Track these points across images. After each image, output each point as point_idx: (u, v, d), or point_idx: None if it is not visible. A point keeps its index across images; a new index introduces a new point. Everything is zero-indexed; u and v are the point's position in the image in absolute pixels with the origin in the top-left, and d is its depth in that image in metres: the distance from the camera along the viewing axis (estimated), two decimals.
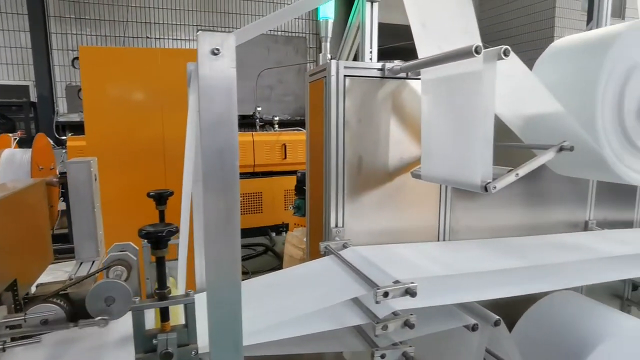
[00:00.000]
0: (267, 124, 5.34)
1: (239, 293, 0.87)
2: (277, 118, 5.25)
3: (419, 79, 1.52)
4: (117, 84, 3.00)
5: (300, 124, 5.79)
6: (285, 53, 7.27)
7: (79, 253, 1.78)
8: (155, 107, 3.07)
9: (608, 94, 1.35)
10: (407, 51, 1.72)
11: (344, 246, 1.45)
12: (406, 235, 1.62)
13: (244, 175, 4.73)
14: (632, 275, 1.58)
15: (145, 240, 1.26)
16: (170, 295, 0.84)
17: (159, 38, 6.84)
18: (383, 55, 1.77)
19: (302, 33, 7.61)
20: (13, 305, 1.14)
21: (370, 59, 1.54)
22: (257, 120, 5.21)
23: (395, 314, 1.10)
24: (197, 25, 7.11)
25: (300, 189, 3.41)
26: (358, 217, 1.55)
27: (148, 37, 6.76)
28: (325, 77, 1.47)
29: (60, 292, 1.20)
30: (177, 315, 0.96)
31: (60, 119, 5.78)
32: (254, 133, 4.90)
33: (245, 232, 4.84)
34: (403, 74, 1.51)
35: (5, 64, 6.18)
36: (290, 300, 1.12)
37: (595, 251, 1.54)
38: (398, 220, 1.61)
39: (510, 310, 1.74)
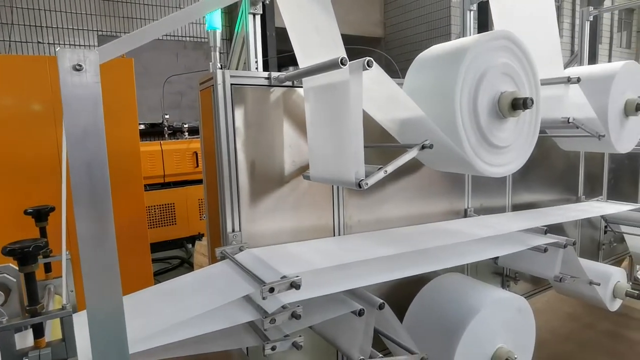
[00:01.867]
0: (177, 132, 5.20)
1: (120, 303, 0.88)
2: (186, 125, 5.13)
3: (302, 86, 1.63)
4: (3, 94, 2.76)
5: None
6: (195, 59, 7.11)
7: None
8: (48, 120, 2.88)
9: (464, 98, 1.55)
10: None
11: (240, 249, 1.50)
12: (304, 235, 1.72)
13: (153, 187, 4.57)
14: (499, 254, 1.83)
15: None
16: (44, 310, 0.83)
17: (53, 43, 6.32)
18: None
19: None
20: None
21: (257, 68, 1.61)
22: (165, 128, 5.05)
23: (284, 307, 1.18)
24: (97, 31, 6.69)
25: None
26: (255, 220, 1.61)
27: (39, 43, 6.22)
28: (212, 85, 1.51)
29: None
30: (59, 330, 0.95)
31: None
32: (162, 142, 4.75)
33: (159, 246, 4.67)
34: (289, 82, 1.60)
35: None
36: (181, 304, 1.15)
37: (469, 235, 1.76)
38: (295, 221, 1.70)
39: (409, 295, 1.92)
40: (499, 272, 2.52)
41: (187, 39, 7.22)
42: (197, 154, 4.82)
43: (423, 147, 1.42)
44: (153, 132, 5.29)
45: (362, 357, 1.37)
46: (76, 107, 0.84)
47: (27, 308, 0.82)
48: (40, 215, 1.19)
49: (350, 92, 1.27)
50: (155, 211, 4.65)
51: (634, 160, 3.39)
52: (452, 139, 1.54)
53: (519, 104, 1.58)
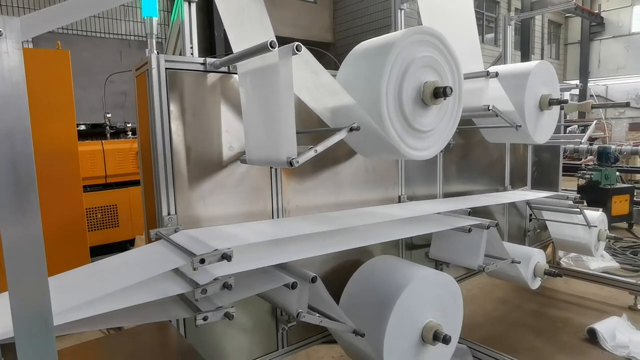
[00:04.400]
0: (120, 132, 5.04)
1: (45, 286, 0.89)
2: (130, 125, 4.99)
3: (236, 73, 1.68)
4: None
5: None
6: (140, 58, 6.92)
7: None
8: None
9: (390, 88, 1.66)
10: None
11: (175, 231, 1.52)
12: (242, 219, 1.76)
13: (94, 188, 4.40)
14: (424, 232, 1.97)
15: None
16: None
17: None
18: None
19: (158, 38, 7.35)
20: None
21: (192, 54, 1.65)
22: (107, 127, 4.89)
23: (216, 279, 1.22)
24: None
25: None
26: (192, 204, 1.63)
27: None
28: (147, 70, 1.53)
29: None
30: None
31: None
32: (104, 141, 4.59)
33: (101, 249, 4.49)
34: (225, 68, 1.65)
35: None
36: (109, 279, 1.16)
37: (396, 216, 1.88)
38: (233, 205, 1.74)
39: (346, 278, 2.01)
40: (433, 258, 2.67)
41: (132, 37, 7.03)
42: None
43: (351, 129, 1.52)
44: (94, 132, 5.09)
45: (300, 310, 1.42)
46: None
47: None
48: None
49: (280, 75, 1.34)
50: (96, 213, 4.48)
51: (554, 153, 3.71)
52: (379, 126, 1.65)
53: (439, 93, 1.72)
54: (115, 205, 4.61)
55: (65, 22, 1.12)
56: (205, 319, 1.19)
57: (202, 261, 1.15)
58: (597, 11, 17.31)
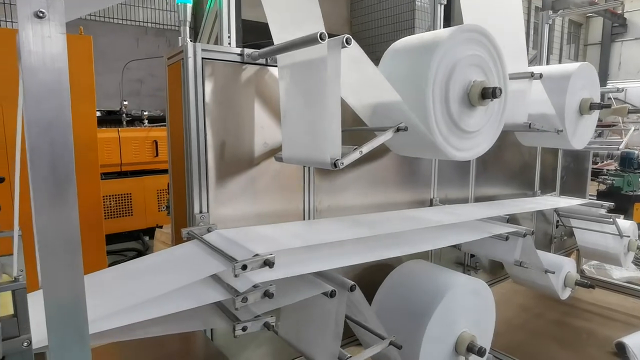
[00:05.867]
0: (136, 120, 4.98)
1: (81, 279, 0.82)
2: (146, 113, 4.93)
3: (276, 65, 1.59)
4: None
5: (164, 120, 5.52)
6: (157, 46, 6.85)
7: None
8: None
9: (437, 86, 1.57)
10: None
11: (208, 230, 1.45)
12: (273, 218, 1.68)
13: (109, 175, 4.35)
14: (465, 240, 1.87)
15: None
16: None
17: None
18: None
19: (175, 26, 7.26)
20: None
21: (229, 43, 1.56)
22: (124, 115, 4.82)
23: (255, 286, 1.14)
24: None
25: None
26: (223, 202, 1.55)
27: None
28: (182, 59, 1.44)
29: None
30: (8, 309, 0.87)
31: None
32: (120, 129, 4.53)
33: (114, 238, 4.46)
34: (262, 60, 1.56)
35: None
36: (145, 283, 1.08)
37: (432, 221, 1.79)
38: (264, 204, 1.66)
39: (374, 283, 1.92)
40: (460, 262, 2.58)
41: (149, 24, 6.94)
42: (156, 143, 4.63)
43: (398, 130, 1.43)
44: (110, 119, 5.03)
45: None
46: (36, 60, 0.76)
47: None
48: None
49: (328, 69, 1.25)
50: (110, 201, 4.43)
51: (583, 158, 3.59)
52: (424, 126, 1.55)
53: (488, 93, 1.62)
54: (130, 194, 4.56)
55: (103, 6, 1.04)
56: (244, 329, 1.11)
57: (244, 267, 1.08)
58: (620, 11, 16.92)
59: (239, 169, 1.59)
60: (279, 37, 1.41)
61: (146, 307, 1.01)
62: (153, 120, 5.23)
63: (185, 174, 1.51)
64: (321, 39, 1.20)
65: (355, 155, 1.31)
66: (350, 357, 1.36)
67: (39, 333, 0.88)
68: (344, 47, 1.26)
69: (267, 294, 1.12)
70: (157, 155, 4.62)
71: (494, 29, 1.73)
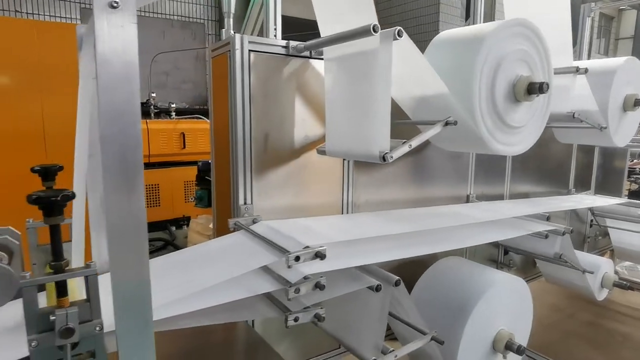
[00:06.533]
0: (163, 112, 5.04)
1: (146, 265, 0.83)
2: (174, 105, 4.98)
3: (321, 58, 1.58)
4: None
5: (200, 112, 5.57)
6: (183, 38, 6.91)
7: None
8: (32, 87, 2.73)
9: (483, 80, 1.54)
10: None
11: (254, 222, 1.46)
12: (311, 211, 1.68)
13: None
14: (505, 237, 1.84)
15: (28, 221, 1.13)
16: (67, 268, 0.77)
17: (32, 14, 6.02)
18: None
19: (200, 19, 7.30)
20: None
21: (275, 35, 1.56)
22: (152, 107, 4.89)
23: (306, 278, 1.15)
24: (79, 3, 6.40)
25: (202, 179, 3.29)
26: (265, 194, 1.56)
27: (18, 12, 5.91)
28: (229, 51, 1.45)
29: None
30: (75, 295, 0.89)
31: None
32: (148, 121, 4.59)
33: None
34: (307, 53, 1.55)
35: None
36: (200, 272, 1.10)
37: (473, 218, 1.77)
38: (304, 197, 1.66)
39: (409, 279, 1.91)
40: (494, 259, 2.55)
41: (175, 17, 7.00)
42: (184, 135, 4.68)
43: (447, 124, 1.41)
44: None
45: (374, 358, 1.34)
46: (110, 50, 0.77)
47: (52, 264, 0.76)
48: (48, 173, 1.11)
49: (379, 62, 1.24)
50: None
51: (620, 156, 3.49)
52: (471, 120, 1.53)
53: (534, 89, 1.59)
54: (157, 184, 4.63)
55: None
56: (296, 319, 1.12)
57: (297, 259, 1.08)
58: None
59: (280, 161, 1.59)
60: (326, 29, 1.40)
61: (203, 296, 1.03)
62: (179, 112, 5.28)
63: (230, 166, 1.52)
64: (374, 30, 1.18)
65: (405, 149, 1.30)
66: (393, 350, 1.36)
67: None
68: (395, 39, 1.24)
69: (319, 286, 1.13)
70: (184, 147, 4.67)
71: (540, 22, 1.69)
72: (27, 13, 5.99)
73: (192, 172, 3.80)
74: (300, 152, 1.64)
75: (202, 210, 3.54)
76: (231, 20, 1.58)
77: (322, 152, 1.56)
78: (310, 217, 1.63)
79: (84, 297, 0.81)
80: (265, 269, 1.21)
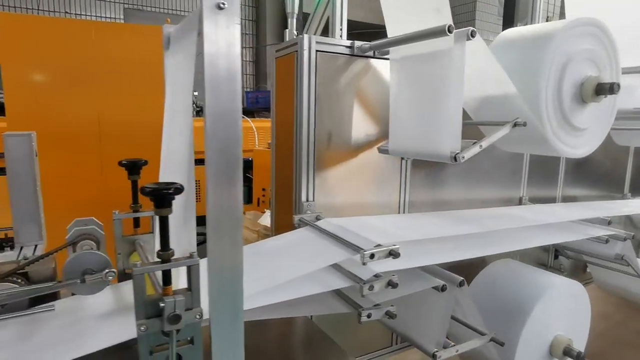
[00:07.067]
0: (200, 112, 5.17)
1: (240, 256, 0.87)
2: None
3: (385, 58, 1.59)
4: (44, 58, 2.73)
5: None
6: None
7: (19, 236, 1.62)
8: (89, 85, 2.84)
9: (550, 80, 1.51)
10: None
11: (317, 218, 1.48)
12: (368, 209, 1.69)
13: None
14: (565, 240, 1.81)
15: (115, 212, 1.19)
16: (173, 257, 0.81)
17: (80, 14, 6.27)
18: None
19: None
20: None
21: (341, 35, 1.58)
22: (194, 105, 5.00)
23: (377, 276, 1.16)
24: (123, 3, 6.62)
25: (243, 177, 3.35)
26: (326, 192, 1.59)
27: (67, 13, 6.17)
28: (296, 51, 1.48)
29: (19, 271, 1.10)
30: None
31: None
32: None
33: None
34: (370, 53, 1.56)
35: None
36: (275, 266, 1.13)
37: (531, 220, 1.74)
38: (361, 195, 1.68)
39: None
40: (544, 263, 2.49)
41: None
42: None
43: (515, 125, 1.39)
44: None
45: (435, 350, 1.35)
46: (216, 50, 0.81)
47: (160, 253, 0.80)
48: (135, 167, 1.17)
49: (453, 62, 1.24)
50: None
51: None
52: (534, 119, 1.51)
53: (603, 89, 1.55)
54: (198, 180, 4.72)
55: None
56: (369, 316, 1.13)
57: (372, 256, 1.10)
58: None
59: (341, 159, 1.61)
60: (395, 29, 1.40)
61: (281, 289, 1.06)
62: None
63: (293, 163, 1.55)
64: (449, 31, 1.19)
65: (475, 149, 1.29)
66: (454, 345, 1.37)
67: None
68: (468, 39, 1.24)
69: (391, 284, 1.14)
70: None
71: (607, 20, 1.64)
72: (75, 14, 6.25)
73: None
74: (360, 150, 1.65)
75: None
76: (294, 20, 1.61)
77: (384, 151, 1.57)
78: (369, 215, 1.65)
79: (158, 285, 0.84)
80: (334, 265, 1.24)
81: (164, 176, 1.09)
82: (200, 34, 0.83)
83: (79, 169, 2.83)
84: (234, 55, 0.82)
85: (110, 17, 6.54)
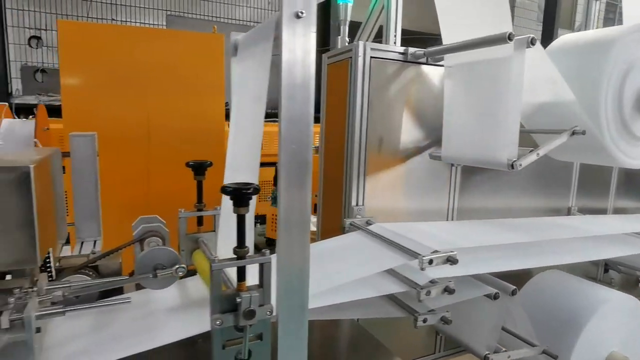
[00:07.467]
0: None
1: (308, 256, 0.89)
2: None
3: (438, 65, 1.59)
4: (100, 63, 2.86)
5: (276, 115, 5.75)
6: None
7: (80, 232, 1.71)
8: (140, 89, 2.97)
9: (610, 88, 1.48)
10: None
11: (367, 223, 1.49)
12: (416, 215, 1.69)
13: None
14: (621, 254, 1.75)
15: (181, 211, 1.25)
16: (247, 255, 0.84)
17: (125, 21, 6.54)
18: None
19: None
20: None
21: (395, 42, 1.59)
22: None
23: (433, 282, 1.17)
24: (166, 10, 6.86)
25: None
26: (376, 196, 1.60)
27: (113, 20, 6.44)
28: (350, 57, 1.50)
29: (90, 265, 1.17)
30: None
31: (15, 101, 5.39)
32: (229, 123, 4.82)
33: None
34: (423, 59, 1.57)
35: None
36: (334, 268, 1.15)
37: (587, 231, 1.69)
38: (410, 201, 1.68)
39: None
40: (592, 276, 2.41)
41: (252, 24, 7.31)
42: None
43: (574, 133, 1.37)
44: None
45: (487, 353, 1.34)
46: (293, 57, 0.84)
47: (236, 250, 0.84)
48: (201, 168, 1.22)
49: (513, 70, 1.23)
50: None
51: None
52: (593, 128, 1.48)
53: None
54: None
55: None
56: (425, 321, 1.14)
57: (430, 262, 1.10)
58: None
59: (390, 164, 1.62)
60: (451, 36, 1.41)
61: (338, 292, 1.07)
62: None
63: (343, 168, 1.57)
64: (509, 38, 1.18)
65: (532, 157, 1.28)
66: (506, 350, 1.35)
67: None
68: (528, 47, 1.23)
69: (448, 290, 1.14)
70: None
71: None
72: (120, 21, 6.52)
73: (267, 172, 3.92)
74: (409, 156, 1.66)
75: (277, 209, 3.68)
76: (347, 27, 1.64)
77: (435, 158, 1.57)
78: (417, 221, 1.65)
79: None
80: (387, 270, 1.25)
81: (230, 177, 1.13)
82: (276, 41, 0.87)
83: (127, 169, 2.95)
84: (309, 63, 0.85)
85: (154, 24, 6.79)
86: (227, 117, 5.36)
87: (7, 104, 3.05)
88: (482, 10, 1.28)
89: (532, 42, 1.23)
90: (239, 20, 7.33)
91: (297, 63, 0.84)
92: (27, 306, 0.84)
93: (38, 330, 0.84)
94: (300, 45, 0.84)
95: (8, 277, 1.07)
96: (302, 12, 0.83)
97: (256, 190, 0.82)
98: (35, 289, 0.93)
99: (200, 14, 7.06)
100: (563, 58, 1.62)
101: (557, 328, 1.64)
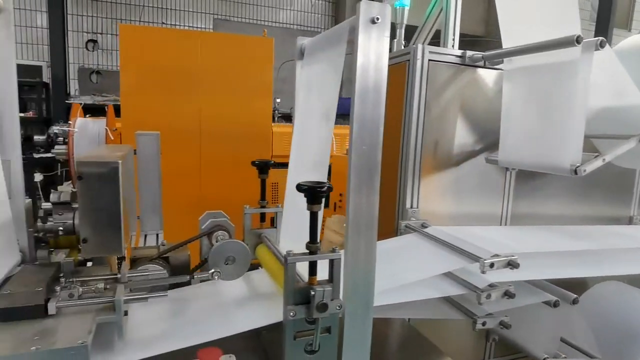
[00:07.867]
0: (285, 117, 5.38)
1: (374, 255, 0.92)
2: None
3: (496, 68, 1.58)
4: (156, 65, 3.01)
5: None
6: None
7: (144, 225, 1.81)
8: (193, 90, 3.10)
9: None
10: None
11: (423, 225, 1.50)
12: (472, 220, 1.68)
13: None
14: None
15: (246, 207, 1.30)
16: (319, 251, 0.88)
17: (174, 24, 6.80)
18: None
19: (317, 28, 7.66)
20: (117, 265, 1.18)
21: (453, 45, 1.60)
22: (276, 112, 5.23)
23: (492, 286, 1.16)
24: (212, 14, 7.08)
25: None
26: (430, 199, 1.60)
27: (164, 24, 6.72)
28: (408, 60, 1.52)
29: (162, 256, 1.24)
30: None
31: (72, 102, 5.73)
32: (272, 124, 4.93)
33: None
34: (481, 63, 1.57)
35: (20, 43, 6.10)
36: (394, 269, 1.17)
37: None
38: (464, 204, 1.68)
39: None
40: None
41: (294, 26, 7.43)
42: None
43: None
44: None
45: (546, 357, 1.32)
46: (367, 61, 0.87)
47: (309, 245, 0.88)
48: (265, 167, 1.28)
49: (579, 74, 1.21)
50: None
51: None
52: None
53: None
54: (277, 183, 4.92)
55: None
56: (484, 324, 1.14)
57: (492, 265, 1.10)
58: None
59: (445, 168, 1.63)
60: (512, 39, 1.40)
61: (399, 291, 1.09)
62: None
63: (398, 170, 1.59)
64: (577, 42, 1.17)
65: (598, 163, 1.25)
66: (565, 357, 1.33)
67: None
68: (597, 49, 1.21)
69: (508, 294, 1.14)
70: None
71: None
72: (170, 24, 6.79)
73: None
74: (464, 160, 1.65)
75: None
76: (403, 31, 1.66)
77: (492, 162, 1.56)
78: (471, 225, 1.64)
79: None
80: (446, 273, 1.25)
81: (296, 177, 1.17)
82: (350, 46, 0.90)
83: (181, 167, 3.08)
84: (381, 66, 0.88)
85: (201, 27, 7.02)
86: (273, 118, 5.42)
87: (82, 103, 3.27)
88: (548, 11, 1.27)
89: (602, 45, 1.21)
90: (283, 23, 7.46)
91: (370, 66, 0.87)
92: (117, 290, 0.91)
93: (125, 313, 0.91)
94: (374, 50, 0.87)
95: (89, 264, 1.17)
96: (377, 18, 0.86)
97: (329, 189, 0.85)
98: (119, 275, 1.00)
99: (245, 17, 7.24)
100: (628, 61, 1.57)
101: (617, 341, 1.59)
